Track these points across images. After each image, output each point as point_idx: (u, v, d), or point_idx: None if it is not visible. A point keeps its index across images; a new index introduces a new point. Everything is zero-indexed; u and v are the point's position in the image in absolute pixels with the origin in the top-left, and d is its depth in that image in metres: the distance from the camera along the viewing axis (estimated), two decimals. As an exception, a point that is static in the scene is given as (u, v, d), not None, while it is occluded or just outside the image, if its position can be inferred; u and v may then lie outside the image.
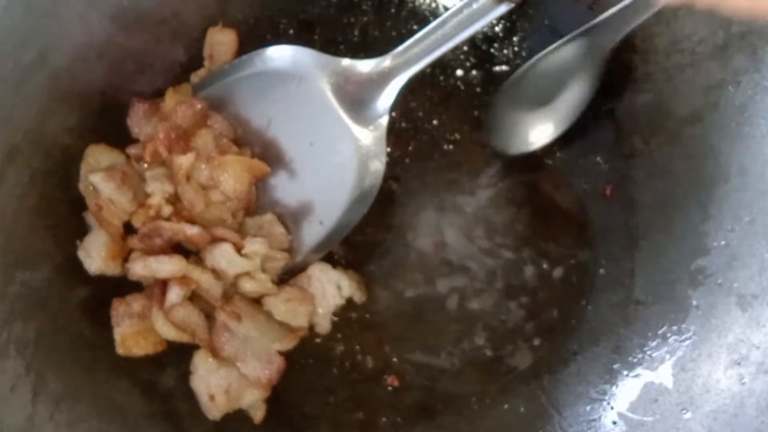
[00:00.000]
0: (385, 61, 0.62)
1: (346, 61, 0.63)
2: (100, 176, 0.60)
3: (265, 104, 0.65)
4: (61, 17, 0.59)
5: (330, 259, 0.66)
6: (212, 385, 0.60)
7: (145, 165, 0.63)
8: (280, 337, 0.62)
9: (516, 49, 0.70)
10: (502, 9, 0.59)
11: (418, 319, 0.67)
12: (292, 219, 0.65)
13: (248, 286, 0.61)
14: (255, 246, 0.61)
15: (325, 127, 0.63)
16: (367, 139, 0.63)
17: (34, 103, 0.58)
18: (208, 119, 0.64)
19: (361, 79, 0.63)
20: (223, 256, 0.60)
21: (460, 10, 0.59)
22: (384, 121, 0.63)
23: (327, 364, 0.66)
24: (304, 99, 0.63)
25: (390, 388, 0.65)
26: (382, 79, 0.62)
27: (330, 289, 0.64)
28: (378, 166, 0.63)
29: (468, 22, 0.59)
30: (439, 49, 0.60)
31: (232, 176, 0.62)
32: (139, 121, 0.64)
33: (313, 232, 0.64)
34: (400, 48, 0.62)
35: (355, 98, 0.63)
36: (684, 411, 0.63)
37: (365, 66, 0.63)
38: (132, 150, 0.64)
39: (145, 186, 0.62)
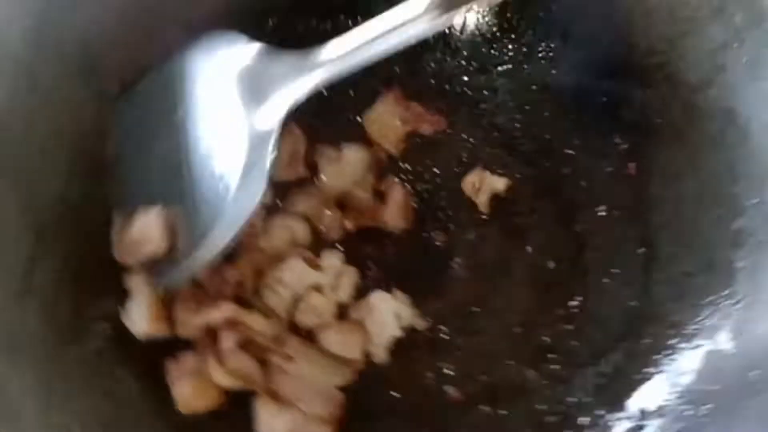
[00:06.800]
0: (308, 57, 0.57)
1: (264, 47, 0.59)
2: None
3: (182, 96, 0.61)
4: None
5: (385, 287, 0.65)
6: (278, 429, 0.59)
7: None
8: (336, 372, 0.61)
9: (516, 48, 0.71)
10: (444, 20, 0.52)
11: (466, 332, 0.66)
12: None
13: (316, 302, 0.61)
14: (332, 260, 0.61)
15: (224, 109, 0.59)
16: (261, 127, 0.58)
17: (57, 173, 0.58)
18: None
19: (273, 70, 0.58)
20: (292, 270, 0.60)
21: (396, 19, 0.53)
22: (283, 113, 0.58)
23: (385, 389, 0.64)
24: (213, 83, 0.60)
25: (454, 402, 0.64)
26: (296, 73, 0.57)
27: (389, 319, 0.63)
28: (265, 156, 0.58)
29: (404, 32, 0.53)
30: (368, 56, 0.55)
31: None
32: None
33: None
34: (325, 46, 0.56)
35: (260, 86, 0.58)
36: (751, 371, 0.62)
37: (284, 55, 0.58)
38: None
39: None
